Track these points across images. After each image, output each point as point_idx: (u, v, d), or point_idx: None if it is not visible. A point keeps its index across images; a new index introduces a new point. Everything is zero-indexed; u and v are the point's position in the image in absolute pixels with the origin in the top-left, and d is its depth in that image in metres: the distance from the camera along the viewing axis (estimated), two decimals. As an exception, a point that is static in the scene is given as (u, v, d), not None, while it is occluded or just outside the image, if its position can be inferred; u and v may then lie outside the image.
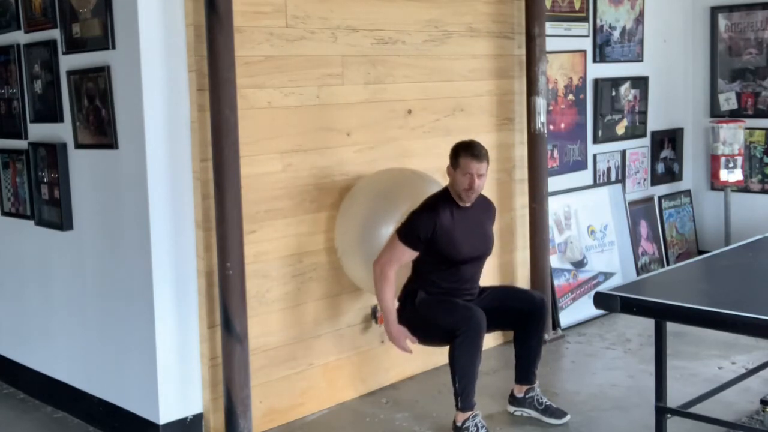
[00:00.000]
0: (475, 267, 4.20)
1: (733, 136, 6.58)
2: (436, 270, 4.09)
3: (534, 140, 5.35)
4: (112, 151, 4.03)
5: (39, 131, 4.49)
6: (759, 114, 6.77)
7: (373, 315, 4.63)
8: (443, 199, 4.11)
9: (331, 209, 4.41)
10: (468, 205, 4.10)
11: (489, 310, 4.05)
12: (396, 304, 4.12)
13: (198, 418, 4.07)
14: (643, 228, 6.62)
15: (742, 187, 6.76)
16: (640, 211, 6.63)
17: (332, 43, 4.39)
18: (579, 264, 5.90)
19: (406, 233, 4.03)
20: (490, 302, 4.16)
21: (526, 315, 4.17)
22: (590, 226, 6.04)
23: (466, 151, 4.05)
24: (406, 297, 4.15)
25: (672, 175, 7.00)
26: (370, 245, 4.20)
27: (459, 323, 3.94)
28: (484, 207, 4.26)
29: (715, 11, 6.91)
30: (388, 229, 4.17)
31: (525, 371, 4.26)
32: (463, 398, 4.00)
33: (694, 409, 3.66)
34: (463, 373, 3.96)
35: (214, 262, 3.92)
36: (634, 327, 5.56)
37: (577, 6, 6.02)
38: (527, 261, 5.42)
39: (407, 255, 4.05)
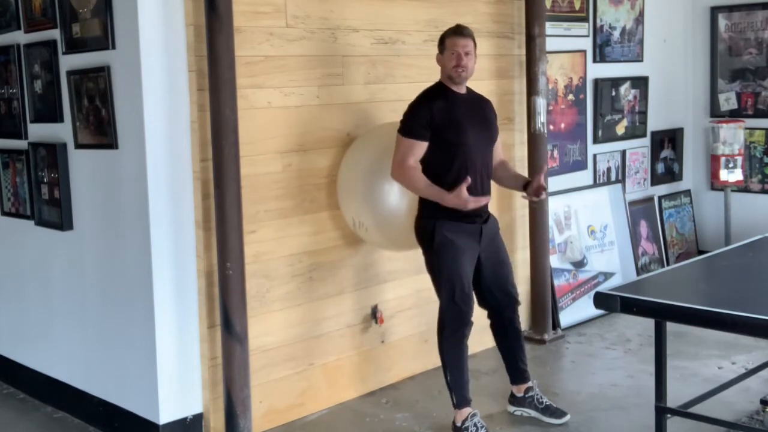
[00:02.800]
0: (483, 157, 4.08)
1: (733, 136, 6.58)
2: (445, 161, 3.96)
3: (534, 140, 5.35)
4: (112, 151, 4.03)
5: (39, 131, 4.49)
6: (759, 114, 6.77)
7: (373, 315, 4.63)
8: (435, 88, 4.10)
9: (331, 209, 4.41)
10: (462, 91, 4.08)
11: (478, 273, 4.07)
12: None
13: (198, 418, 4.07)
14: (643, 228, 6.62)
15: (742, 187, 6.77)
16: (640, 211, 6.63)
17: (332, 43, 4.39)
18: (579, 264, 5.90)
19: (407, 127, 3.98)
20: (486, 265, 4.09)
21: (496, 310, 4.20)
22: (590, 226, 6.04)
23: (449, 32, 4.08)
24: (425, 217, 4.03)
25: (672, 175, 7.00)
26: (379, 201, 4.19)
27: (448, 312, 3.98)
28: (480, 98, 4.23)
29: (715, 11, 6.91)
30: (392, 185, 4.14)
31: (514, 369, 4.27)
32: (456, 393, 4.02)
33: (694, 409, 3.66)
34: (452, 366, 4.01)
35: (214, 262, 3.92)
36: (634, 327, 5.56)
37: (577, 6, 6.02)
38: (527, 261, 5.42)
39: (417, 148, 3.95)
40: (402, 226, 4.18)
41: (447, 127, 3.96)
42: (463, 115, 4.03)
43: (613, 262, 6.13)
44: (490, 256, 4.12)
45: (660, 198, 6.85)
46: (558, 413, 4.20)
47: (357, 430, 4.23)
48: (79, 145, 4.22)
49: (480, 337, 4.53)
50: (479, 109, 4.17)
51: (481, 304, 4.22)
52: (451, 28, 4.12)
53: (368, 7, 4.54)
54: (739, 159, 6.58)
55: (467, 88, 4.13)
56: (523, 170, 5.40)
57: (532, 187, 4.10)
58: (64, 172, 4.30)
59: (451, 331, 3.99)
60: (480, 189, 4.04)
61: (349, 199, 4.31)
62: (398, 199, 4.16)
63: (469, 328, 4.03)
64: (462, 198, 3.87)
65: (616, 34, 6.38)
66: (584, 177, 6.19)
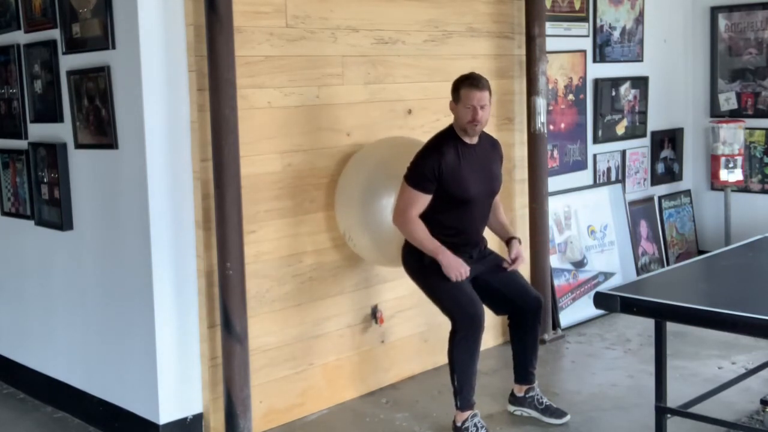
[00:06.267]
0: (483, 207, 4.11)
1: (733, 136, 6.58)
2: (445, 210, 3.99)
3: (534, 140, 5.35)
4: (112, 151, 4.03)
5: (39, 131, 4.49)
6: (759, 114, 6.77)
7: (373, 315, 4.63)
8: (447, 137, 4.05)
9: (331, 209, 4.41)
10: (474, 141, 4.04)
11: (486, 289, 4.07)
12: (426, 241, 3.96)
13: (198, 418, 4.07)
14: (643, 228, 6.62)
15: (742, 187, 6.77)
16: (640, 211, 6.63)
17: (332, 43, 4.39)
18: (579, 264, 5.90)
19: (415, 178, 3.96)
20: (490, 279, 4.12)
21: (519, 312, 4.17)
22: (590, 226, 6.04)
23: (465, 83, 3.98)
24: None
25: (672, 175, 7.00)
26: (374, 218, 4.20)
27: (461, 320, 3.95)
28: (490, 145, 4.20)
29: (715, 11, 6.91)
30: (389, 200, 4.13)
31: (523, 371, 4.26)
32: (462, 396, 4.00)
33: (694, 409, 3.66)
34: (461, 371, 3.98)
35: (214, 262, 3.92)
36: (634, 327, 5.56)
37: (577, 6, 6.02)
38: (527, 261, 5.42)
39: (421, 200, 3.95)
40: (393, 248, 4.19)
41: (453, 183, 3.96)
42: (471, 170, 4.01)
43: (613, 262, 6.13)
44: (491, 269, 4.14)
45: (660, 198, 6.85)
46: (558, 413, 4.20)
47: (357, 430, 4.23)
48: (79, 145, 4.22)
49: (480, 337, 4.53)
50: (488, 162, 4.13)
51: (501, 312, 4.26)
52: (467, 78, 4.02)
53: (368, 7, 4.54)
54: (739, 159, 6.58)
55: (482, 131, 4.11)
56: (523, 170, 5.41)
57: (510, 256, 4.17)
58: (64, 172, 4.30)
59: (464, 335, 3.96)
60: (475, 236, 4.10)
61: (345, 212, 4.32)
62: (391, 224, 4.13)
63: (483, 331, 3.99)
64: (457, 268, 3.91)
65: (616, 34, 6.38)
66: (584, 177, 6.19)
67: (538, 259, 5.41)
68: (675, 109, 6.98)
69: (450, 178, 3.95)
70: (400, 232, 4.03)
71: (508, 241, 4.25)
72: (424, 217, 4.00)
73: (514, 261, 4.17)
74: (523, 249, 4.24)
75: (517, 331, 4.23)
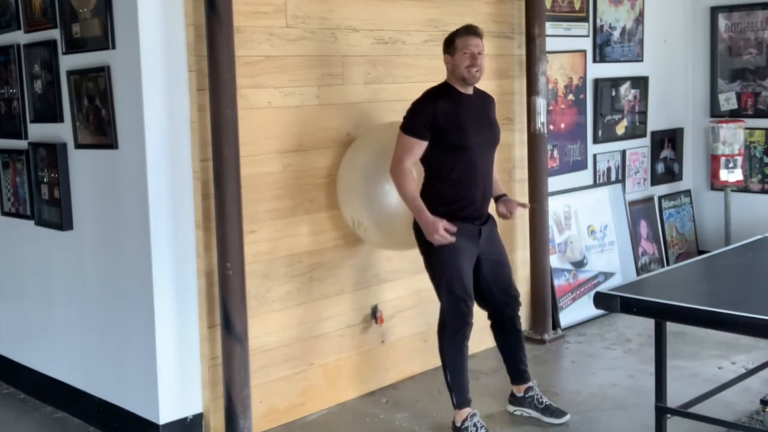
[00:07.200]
0: (485, 160, 4.05)
1: (733, 136, 6.58)
2: (445, 159, 3.95)
3: (534, 140, 5.35)
4: (112, 151, 4.03)
5: (39, 131, 4.50)
6: (759, 114, 6.77)
7: (373, 315, 4.63)
8: (441, 88, 4.05)
9: (331, 209, 4.41)
10: (469, 91, 4.04)
11: (476, 276, 4.06)
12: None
13: (198, 418, 4.07)
14: (643, 228, 6.62)
15: (742, 187, 6.77)
16: (640, 211, 6.63)
17: (332, 43, 4.39)
18: (579, 264, 5.90)
19: (409, 125, 3.95)
20: (484, 264, 4.08)
21: (497, 307, 4.18)
22: (590, 226, 6.05)
23: (459, 32, 4.01)
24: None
25: (672, 175, 7.00)
26: (378, 200, 4.20)
27: (447, 309, 3.98)
28: (484, 97, 4.19)
29: (715, 11, 6.91)
30: (392, 185, 4.10)
31: (515, 369, 4.27)
32: (456, 392, 4.01)
33: (694, 409, 3.66)
34: (452, 366, 4.01)
35: (214, 262, 3.92)
36: (634, 327, 5.56)
37: (577, 6, 6.02)
38: (527, 261, 5.42)
39: (416, 147, 3.92)
40: (401, 225, 4.18)
41: (450, 129, 3.93)
42: (468, 117, 3.99)
43: (613, 262, 6.13)
44: (489, 257, 4.11)
45: (660, 198, 6.85)
46: (558, 413, 4.21)
47: (357, 430, 4.23)
48: (79, 145, 4.22)
49: (480, 337, 4.53)
50: (484, 111, 4.13)
51: (481, 304, 4.21)
52: (461, 28, 4.05)
53: (368, 7, 4.54)
54: (739, 159, 6.58)
55: (473, 87, 4.10)
56: (523, 170, 5.41)
57: (507, 206, 4.15)
58: (64, 172, 4.30)
59: (452, 331, 3.99)
60: (482, 192, 4.04)
61: (349, 198, 4.31)
62: (397, 199, 4.16)
63: (470, 328, 4.02)
64: (436, 230, 3.86)
65: (616, 34, 6.38)
66: (584, 177, 6.19)
67: (538, 259, 5.41)
68: (675, 109, 6.99)
69: (446, 123, 3.92)
70: (393, 181, 4.00)
71: (498, 198, 4.21)
72: (428, 173, 3.99)
73: (512, 211, 4.17)
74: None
75: (498, 331, 4.25)
